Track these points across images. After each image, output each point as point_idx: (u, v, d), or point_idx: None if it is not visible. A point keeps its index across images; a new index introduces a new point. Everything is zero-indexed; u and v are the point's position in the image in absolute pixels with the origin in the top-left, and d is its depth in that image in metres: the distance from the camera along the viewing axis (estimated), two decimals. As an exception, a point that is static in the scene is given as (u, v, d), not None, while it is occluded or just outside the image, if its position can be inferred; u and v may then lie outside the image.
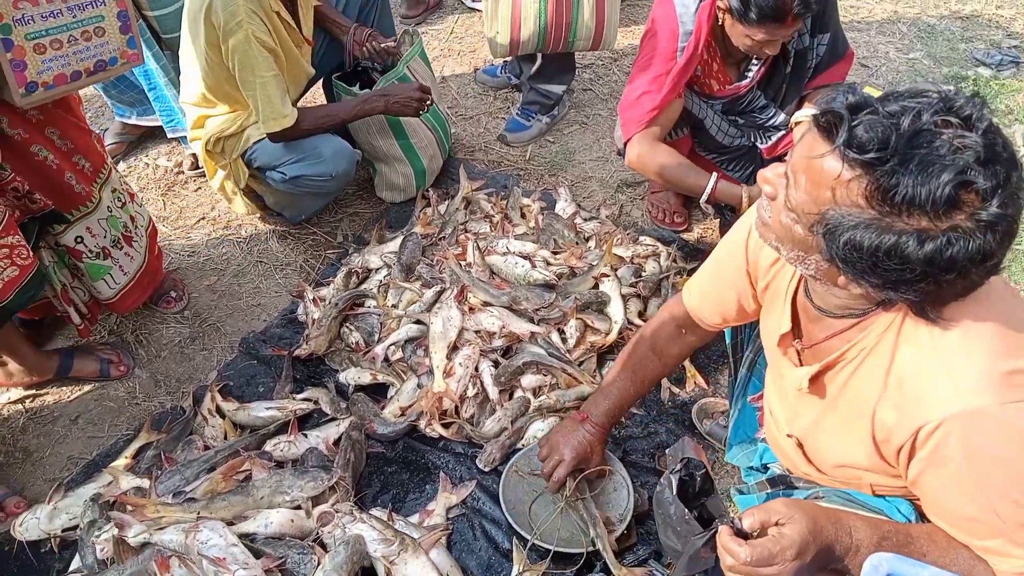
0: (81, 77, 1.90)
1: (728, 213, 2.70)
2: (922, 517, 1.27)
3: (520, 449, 2.04)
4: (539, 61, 3.10)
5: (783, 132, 2.49)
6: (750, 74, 2.37)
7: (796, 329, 1.30)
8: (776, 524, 1.10)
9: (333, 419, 2.13)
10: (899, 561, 1.02)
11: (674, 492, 1.24)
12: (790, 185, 1.06)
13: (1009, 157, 0.95)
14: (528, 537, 1.83)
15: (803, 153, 1.03)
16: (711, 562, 1.22)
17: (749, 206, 2.39)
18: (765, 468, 1.66)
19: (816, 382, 1.23)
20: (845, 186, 0.97)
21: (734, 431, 1.88)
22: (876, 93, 3.01)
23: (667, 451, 1.49)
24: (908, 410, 1.09)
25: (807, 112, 2.38)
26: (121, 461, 2.05)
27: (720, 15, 2.16)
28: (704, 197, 2.37)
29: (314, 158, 2.48)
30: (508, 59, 3.45)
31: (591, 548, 1.82)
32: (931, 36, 3.80)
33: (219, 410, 2.18)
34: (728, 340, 1.90)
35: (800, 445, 1.34)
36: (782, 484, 1.46)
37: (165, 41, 2.70)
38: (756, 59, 2.34)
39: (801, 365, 1.29)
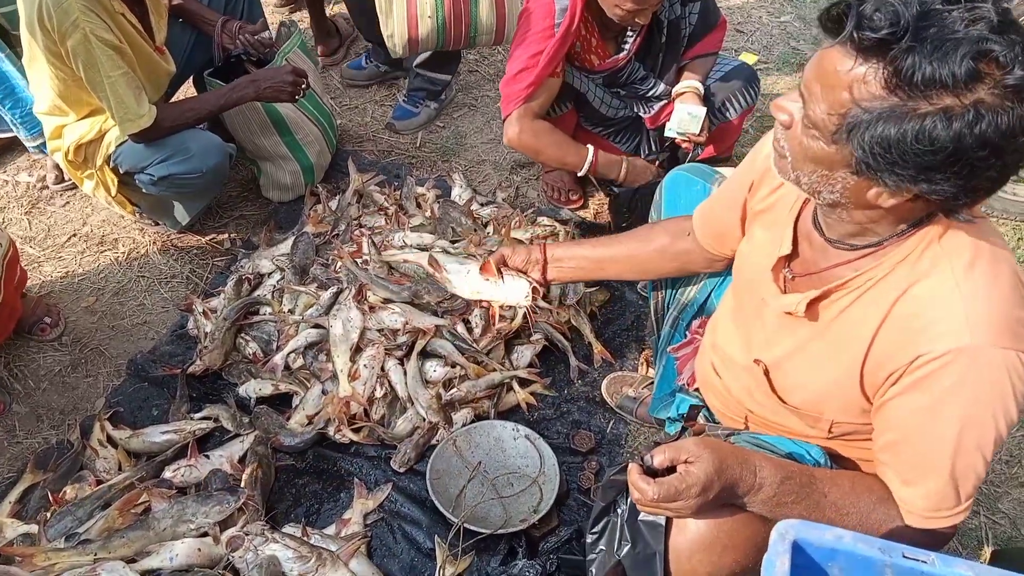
0: None
1: (615, 190, 2.74)
2: (832, 462, 1.32)
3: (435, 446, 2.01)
4: (423, 56, 3.03)
5: (664, 101, 2.53)
6: (626, 46, 2.39)
7: (792, 255, 1.29)
8: (685, 462, 1.14)
9: (236, 436, 2.04)
10: (805, 526, 1.05)
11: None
12: (807, 103, 1.04)
13: (1021, 27, 0.94)
14: (447, 515, 1.83)
15: (813, 64, 1.03)
16: (621, 487, 1.30)
17: (627, 177, 2.42)
18: (682, 417, 1.69)
19: (811, 307, 1.22)
20: (862, 80, 0.96)
21: (659, 386, 1.92)
22: (753, 59, 3.09)
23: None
24: (914, 337, 1.09)
25: (687, 83, 2.42)
26: (4, 507, 1.89)
27: None
28: (583, 170, 2.40)
29: (181, 155, 2.35)
30: (370, 49, 3.35)
31: (517, 528, 1.83)
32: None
33: (110, 440, 2.04)
34: (650, 300, 1.92)
35: (767, 373, 1.34)
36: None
37: (16, 39, 2.48)
38: (631, 30, 2.36)
39: (786, 292, 1.29)
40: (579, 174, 2.46)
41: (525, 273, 1.66)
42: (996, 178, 1.00)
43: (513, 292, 1.63)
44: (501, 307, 1.68)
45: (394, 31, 2.74)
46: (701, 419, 1.50)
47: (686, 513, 1.16)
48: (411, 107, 3.18)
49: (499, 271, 1.66)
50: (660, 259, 1.66)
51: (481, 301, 1.72)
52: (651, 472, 1.16)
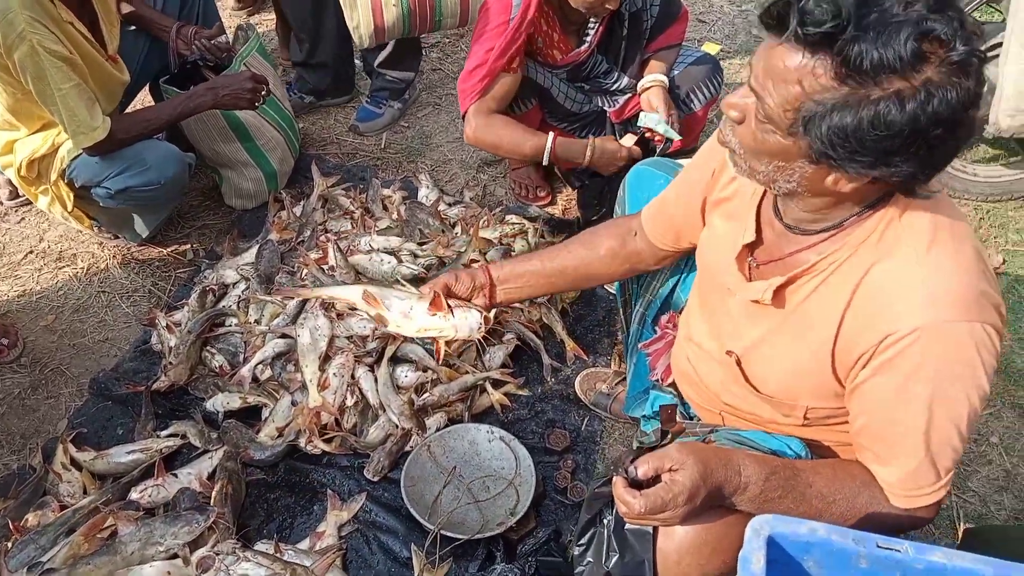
0: None
1: (587, 181, 2.72)
2: (812, 453, 1.31)
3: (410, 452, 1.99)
4: (390, 47, 2.99)
5: (628, 95, 2.51)
6: (588, 37, 2.38)
7: (756, 242, 1.29)
8: (669, 470, 1.13)
9: (204, 452, 1.99)
10: (779, 520, 1.04)
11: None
12: (759, 99, 1.04)
13: (956, 3, 0.96)
14: (424, 522, 1.80)
15: (762, 60, 1.03)
16: (607, 499, 1.29)
17: (594, 160, 2.37)
18: (656, 414, 1.68)
19: (777, 294, 1.22)
20: (811, 73, 0.97)
21: (632, 384, 1.90)
22: (715, 48, 3.09)
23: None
24: (881, 317, 1.09)
25: (652, 77, 2.41)
26: (-36, 538, 1.84)
27: None
28: (545, 158, 2.36)
29: (138, 167, 2.29)
30: (294, 78, 3.24)
31: (494, 532, 1.80)
32: (760, -13, 3.96)
33: (74, 462, 1.98)
34: (618, 298, 1.91)
35: (740, 363, 1.34)
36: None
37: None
38: (592, 23, 2.34)
39: (751, 280, 1.28)
40: (543, 163, 2.41)
41: (470, 300, 1.56)
42: (950, 153, 1.02)
43: (463, 325, 1.51)
44: (448, 342, 1.57)
45: (359, 22, 2.70)
46: (679, 418, 1.48)
47: (674, 522, 1.15)
48: (374, 108, 3.14)
49: (447, 304, 1.53)
50: (610, 264, 1.62)
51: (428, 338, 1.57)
52: (636, 483, 1.14)
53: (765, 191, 1.28)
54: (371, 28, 2.70)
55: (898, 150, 0.98)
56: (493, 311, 1.60)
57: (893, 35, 0.92)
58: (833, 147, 1.00)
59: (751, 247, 1.28)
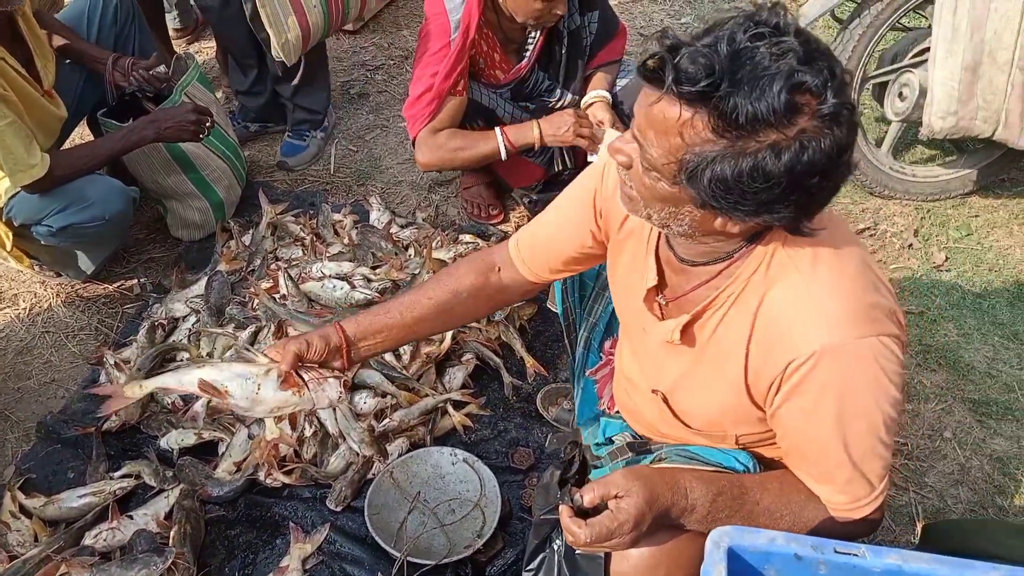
0: None
1: (534, 199, 2.74)
2: (760, 465, 1.33)
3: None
4: (298, 76, 2.94)
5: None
6: (527, 52, 2.40)
7: (660, 282, 1.30)
8: (615, 497, 1.13)
9: (160, 491, 1.94)
10: (738, 532, 1.05)
11: (555, 479, 1.24)
12: (642, 147, 1.06)
13: (826, 51, 0.98)
14: (389, 550, 1.77)
15: (642, 109, 1.04)
16: (554, 523, 1.31)
17: (545, 136, 2.33)
18: (610, 441, 1.68)
19: (686, 332, 1.23)
20: (690, 126, 0.98)
21: (580, 410, 1.90)
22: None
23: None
24: (781, 345, 1.11)
25: (595, 94, 2.43)
26: (-93, 599, 1.76)
27: None
28: (503, 153, 2.35)
29: (80, 203, 2.25)
30: (237, 107, 3.23)
31: (462, 555, 1.79)
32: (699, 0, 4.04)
33: (24, 510, 1.92)
34: (562, 322, 1.91)
35: (666, 400, 1.35)
36: (631, 452, 1.49)
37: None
38: (531, 40, 2.37)
39: (663, 319, 1.29)
40: (503, 158, 2.38)
41: (325, 364, 1.45)
42: (829, 195, 1.06)
43: (321, 397, 1.40)
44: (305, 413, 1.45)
45: (287, 36, 2.70)
46: (629, 437, 1.49)
47: (622, 548, 1.15)
48: (298, 141, 3.10)
49: (300, 375, 1.39)
50: (474, 303, 1.57)
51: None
52: (582, 512, 1.14)
53: (659, 236, 1.30)
54: (298, 33, 2.72)
55: (778, 199, 1.01)
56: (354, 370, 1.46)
57: (766, 88, 0.94)
58: (717, 198, 1.02)
59: (657, 288, 1.30)
